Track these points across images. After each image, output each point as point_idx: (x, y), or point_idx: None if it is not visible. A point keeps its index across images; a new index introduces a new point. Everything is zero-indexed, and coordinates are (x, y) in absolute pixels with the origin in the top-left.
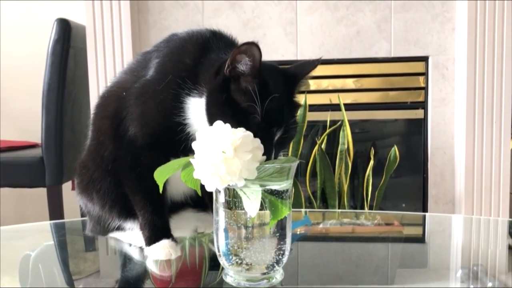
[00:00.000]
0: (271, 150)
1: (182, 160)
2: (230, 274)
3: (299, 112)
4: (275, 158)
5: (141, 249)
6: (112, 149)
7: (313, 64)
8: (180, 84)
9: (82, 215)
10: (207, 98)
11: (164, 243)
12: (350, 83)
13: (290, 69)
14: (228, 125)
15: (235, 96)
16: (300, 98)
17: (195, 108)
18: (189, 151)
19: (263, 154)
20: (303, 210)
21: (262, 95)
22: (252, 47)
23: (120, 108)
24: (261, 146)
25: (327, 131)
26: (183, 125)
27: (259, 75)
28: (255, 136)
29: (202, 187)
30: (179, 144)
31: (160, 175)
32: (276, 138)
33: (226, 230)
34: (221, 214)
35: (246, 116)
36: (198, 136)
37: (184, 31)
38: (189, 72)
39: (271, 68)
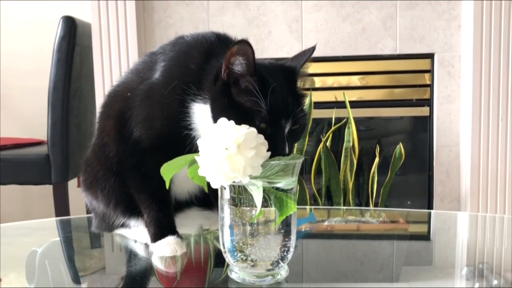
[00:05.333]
0: (284, 143)
1: (188, 157)
2: (235, 271)
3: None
4: (290, 151)
5: (147, 245)
6: (117, 151)
7: (309, 51)
8: (185, 90)
9: (88, 212)
10: (211, 105)
11: (170, 240)
12: (355, 80)
13: (287, 62)
14: (232, 122)
15: (237, 99)
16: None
17: (200, 114)
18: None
19: (277, 149)
20: (308, 207)
21: (263, 91)
22: (243, 46)
23: (125, 109)
24: (265, 142)
25: (332, 128)
26: (189, 130)
27: (256, 71)
28: (264, 132)
29: (208, 184)
30: (184, 147)
31: (167, 171)
32: (286, 130)
33: (231, 227)
34: (226, 211)
35: (251, 116)
36: (203, 133)
37: (191, 34)
38: (194, 78)
39: (268, 65)
